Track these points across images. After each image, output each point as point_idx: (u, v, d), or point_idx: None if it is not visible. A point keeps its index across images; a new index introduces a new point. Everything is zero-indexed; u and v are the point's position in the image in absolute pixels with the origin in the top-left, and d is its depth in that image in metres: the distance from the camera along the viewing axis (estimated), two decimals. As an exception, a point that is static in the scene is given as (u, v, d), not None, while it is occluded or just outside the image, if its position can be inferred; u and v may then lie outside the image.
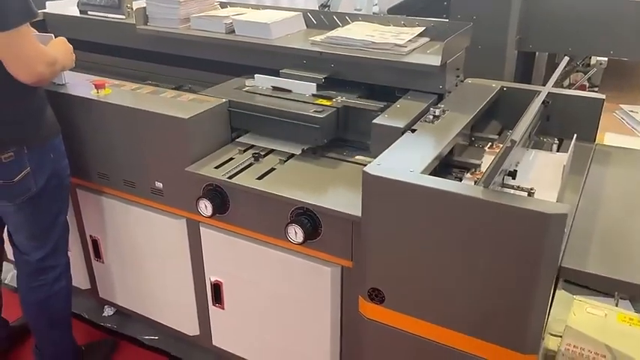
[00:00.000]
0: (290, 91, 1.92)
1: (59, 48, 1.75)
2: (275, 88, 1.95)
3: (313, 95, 1.89)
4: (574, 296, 2.25)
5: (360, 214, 1.37)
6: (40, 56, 1.58)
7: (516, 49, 2.44)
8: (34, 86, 1.65)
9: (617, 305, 2.00)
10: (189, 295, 2.00)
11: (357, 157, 1.76)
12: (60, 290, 1.93)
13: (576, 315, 2.14)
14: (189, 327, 2.08)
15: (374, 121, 1.60)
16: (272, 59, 2.01)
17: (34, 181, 1.73)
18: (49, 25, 2.50)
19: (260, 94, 1.92)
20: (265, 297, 1.80)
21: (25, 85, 1.64)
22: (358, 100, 1.85)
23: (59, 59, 1.68)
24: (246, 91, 1.94)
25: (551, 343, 2.01)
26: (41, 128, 1.73)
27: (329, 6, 5.40)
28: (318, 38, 1.98)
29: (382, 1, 5.97)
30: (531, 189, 1.38)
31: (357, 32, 1.99)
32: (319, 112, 1.74)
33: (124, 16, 2.33)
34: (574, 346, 1.95)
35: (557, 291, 1.70)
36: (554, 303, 1.66)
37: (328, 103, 1.81)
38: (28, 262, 1.87)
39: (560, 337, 1.99)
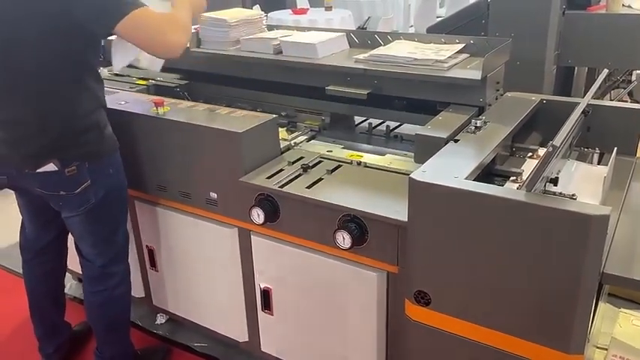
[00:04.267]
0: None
1: (181, 4, 1.82)
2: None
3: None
4: (619, 309, 2.24)
5: (405, 220, 1.43)
6: (168, 25, 1.68)
7: (555, 64, 2.47)
8: (99, 104, 1.79)
9: (663, 318, 1.98)
10: (239, 302, 2.08)
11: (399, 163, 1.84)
12: (120, 296, 2.05)
13: (622, 327, 2.13)
14: (239, 333, 2.16)
15: (417, 132, 1.67)
16: (318, 77, 2.11)
17: (94, 193, 1.83)
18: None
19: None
20: (312, 302, 1.86)
21: (90, 103, 1.76)
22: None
23: (184, 15, 1.77)
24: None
25: (597, 355, 2.00)
26: (102, 145, 1.83)
27: (366, 28, 5.56)
28: (361, 56, 2.07)
29: (418, 23, 6.07)
30: (573, 195, 1.42)
31: (399, 50, 2.07)
32: None
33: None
34: (620, 357, 1.94)
35: (602, 304, 1.70)
36: (600, 316, 1.66)
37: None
38: (92, 267, 1.99)
39: (606, 349, 1.99)
